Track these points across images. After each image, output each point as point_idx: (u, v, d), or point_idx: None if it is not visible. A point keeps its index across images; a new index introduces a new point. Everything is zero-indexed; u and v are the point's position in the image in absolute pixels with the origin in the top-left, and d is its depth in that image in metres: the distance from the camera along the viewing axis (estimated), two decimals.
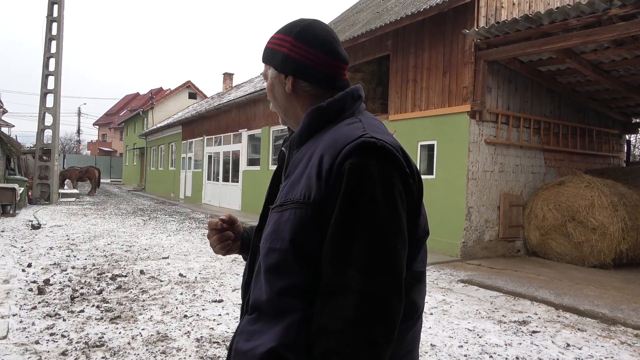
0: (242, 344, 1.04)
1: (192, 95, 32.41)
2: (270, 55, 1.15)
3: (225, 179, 17.59)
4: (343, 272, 0.92)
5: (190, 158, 21.59)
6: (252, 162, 15.88)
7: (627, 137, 11.37)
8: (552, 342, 3.99)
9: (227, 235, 1.27)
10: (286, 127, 1.26)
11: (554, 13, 6.23)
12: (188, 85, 32.73)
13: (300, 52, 1.10)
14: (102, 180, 27.38)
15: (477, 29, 7.22)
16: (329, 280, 0.94)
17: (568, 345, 3.92)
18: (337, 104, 1.08)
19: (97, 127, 57.87)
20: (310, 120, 1.07)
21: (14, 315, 4.24)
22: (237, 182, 16.39)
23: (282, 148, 1.19)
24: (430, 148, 8.47)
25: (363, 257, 0.91)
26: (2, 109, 25.51)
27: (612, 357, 3.68)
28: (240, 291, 1.26)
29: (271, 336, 0.99)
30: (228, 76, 27.97)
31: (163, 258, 7.22)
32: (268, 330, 1.00)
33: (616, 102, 9.85)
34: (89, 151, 56.20)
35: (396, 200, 0.95)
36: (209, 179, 19.10)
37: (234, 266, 6.71)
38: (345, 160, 0.95)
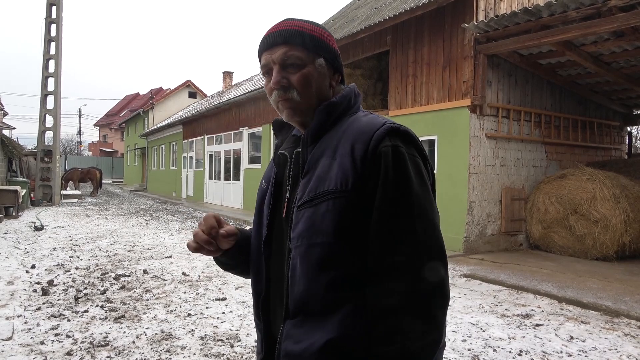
0: (293, 346, 1.00)
1: (192, 95, 32.39)
2: (320, 45, 1.10)
3: (227, 178, 17.60)
4: (394, 249, 0.95)
5: (191, 157, 21.60)
6: (253, 160, 15.89)
7: (628, 128, 11.33)
8: (556, 335, 4.00)
9: (211, 246, 1.10)
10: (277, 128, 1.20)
11: (553, 5, 6.20)
12: (188, 84, 32.71)
13: (338, 53, 1.17)
14: (103, 181, 27.42)
15: (476, 23, 7.20)
16: (380, 260, 0.96)
17: (571, 337, 3.93)
18: (346, 99, 1.12)
19: (98, 127, 57.96)
20: (327, 115, 1.09)
21: (18, 316, 4.26)
22: (239, 180, 16.41)
23: (282, 151, 1.13)
24: (431, 143, 8.46)
25: (410, 232, 0.95)
26: (2, 112, 25.54)
27: (616, 349, 3.68)
28: (253, 300, 1.17)
29: (325, 331, 0.97)
30: (228, 75, 27.97)
31: (166, 257, 7.24)
32: (320, 327, 0.98)
33: (617, 94, 9.82)
34: (90, 152, 56.29)
35: (424, 176, 1.02)
36: (210, 178, 19.12)
37: None
38: (378, 144, 0.99)
